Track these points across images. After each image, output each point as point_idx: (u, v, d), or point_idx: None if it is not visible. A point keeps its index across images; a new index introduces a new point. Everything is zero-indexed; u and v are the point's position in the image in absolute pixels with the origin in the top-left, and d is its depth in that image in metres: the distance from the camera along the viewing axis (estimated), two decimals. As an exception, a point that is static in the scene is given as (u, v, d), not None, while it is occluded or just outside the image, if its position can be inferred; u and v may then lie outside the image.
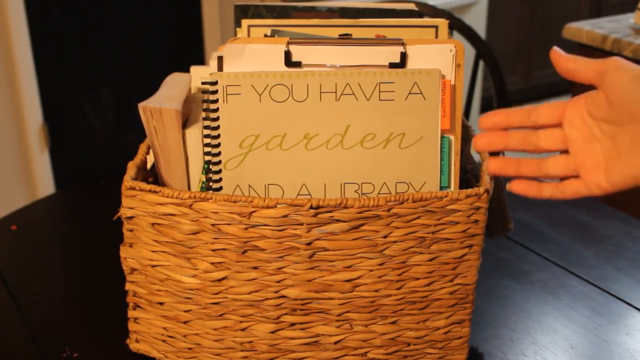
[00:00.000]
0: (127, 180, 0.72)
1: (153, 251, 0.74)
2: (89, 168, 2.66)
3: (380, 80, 0.71)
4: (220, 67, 0.73)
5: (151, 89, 0.80)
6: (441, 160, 0.73)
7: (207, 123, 0.72)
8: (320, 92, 0.71)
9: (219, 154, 0.72)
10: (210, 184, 0.73)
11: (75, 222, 1.19)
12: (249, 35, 0.81)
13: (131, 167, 0.75)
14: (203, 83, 0.72)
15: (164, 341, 0.79)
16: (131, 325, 0.81)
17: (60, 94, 2.53)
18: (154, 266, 0.75)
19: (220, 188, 0.72)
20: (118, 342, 0.83)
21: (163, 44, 2.73)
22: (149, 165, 0.80)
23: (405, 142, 0.72)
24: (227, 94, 0.71)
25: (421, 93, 0.71)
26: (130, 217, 0.74)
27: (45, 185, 2.47)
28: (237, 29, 0.84)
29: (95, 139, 2.70)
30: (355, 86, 0.71)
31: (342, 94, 0.71)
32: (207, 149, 0.72)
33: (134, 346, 0.82)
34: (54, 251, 1.10)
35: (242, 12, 0.85)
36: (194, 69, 0.86)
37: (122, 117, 2.71)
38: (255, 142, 0.72)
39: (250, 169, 0.72)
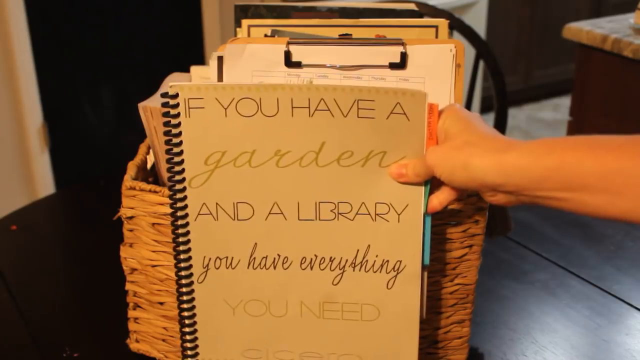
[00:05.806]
0: (127, 180, 0.72)
1: (153, 251, 0.74)
2: (89, 168, 2.66)
3: (359, 98, 0.64)
4: (220, 67, 0.73)
5: (151, 89, 0.80)
6: (425, 182, 0.66)
7: (168, 138, 0.67)
8: (292, 107, 0.65)
9: (182, 171, 0.67)
10: (175, 203, 0.68)
11: (75, 222, 1.19)
12: (249, 35, 0.81)
13: (131, 167, 0.75)
14: (162, 95, 0.66)
15: (164, 341, 0.79)
16: (131, 325, 0.81)
17: (60, 94, 2.53)
18: (154, 266, 0.75)
19: (185, 206, 0.68)
20: (118, 342, 0.83)
21: (163, 44, 2.73)
22: (149, 165, 0.80)
23: (386, 161, 0.66)
24: (189, 108, 0.65)
25: (405, 114, 0.65)
26: (130, 217, 0.74)
27: (45, 185, 2.48)
28: (237, 29, 0.84)
29: (95, 139, 2.70)
30: (331, 102, 0.65)
31: (316, 110, 0.65)
32: (169, 165, 0.67)
33: (134, 346, 0.82)
34: (54, 251, 1.10)
35: (242, 12, 0.85)
36: (194, 69, 0.86)
37: (122, 117, 2.72)
38: (221, 158, 0.66)
39: (218, 187, 0.67)
